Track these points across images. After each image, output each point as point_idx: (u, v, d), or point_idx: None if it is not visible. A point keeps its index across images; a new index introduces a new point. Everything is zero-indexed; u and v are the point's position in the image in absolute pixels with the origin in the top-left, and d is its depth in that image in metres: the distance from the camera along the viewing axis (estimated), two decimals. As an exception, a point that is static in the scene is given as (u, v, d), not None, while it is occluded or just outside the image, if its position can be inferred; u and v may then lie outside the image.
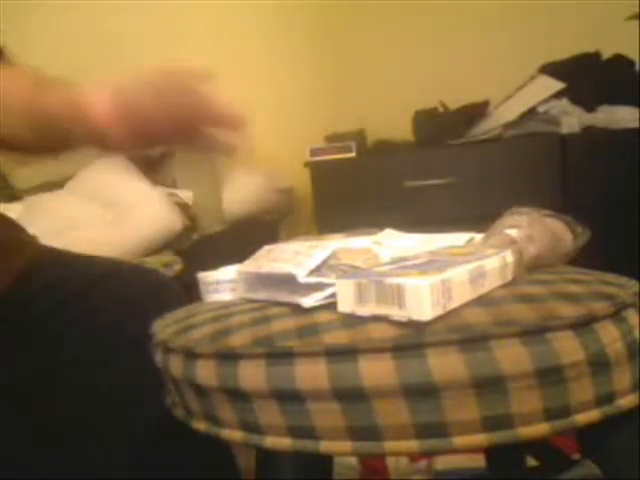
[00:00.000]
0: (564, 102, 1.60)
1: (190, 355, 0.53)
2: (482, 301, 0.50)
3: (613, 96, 1.61)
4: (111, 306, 0.76)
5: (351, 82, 2.06)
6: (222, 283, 0.66)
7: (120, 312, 0.76)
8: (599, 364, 0.46)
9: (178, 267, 1.36)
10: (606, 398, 0.47)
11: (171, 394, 0.59)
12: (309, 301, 0.53)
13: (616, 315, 0.49)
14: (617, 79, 1.63)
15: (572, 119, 1.59)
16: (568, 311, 0.47)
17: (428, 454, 1.14)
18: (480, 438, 0.45)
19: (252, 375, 0.48)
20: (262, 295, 0.59)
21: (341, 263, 0.56)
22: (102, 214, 1.52)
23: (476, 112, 1.68)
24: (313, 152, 1.73)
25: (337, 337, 0.47)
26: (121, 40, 2.02)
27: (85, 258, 0.83)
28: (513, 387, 0.44)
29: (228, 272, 0.66)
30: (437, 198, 1.61)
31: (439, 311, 0.46)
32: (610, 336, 0.47)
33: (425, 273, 0.47)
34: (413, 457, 1.21)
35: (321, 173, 1.71)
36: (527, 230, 0.60)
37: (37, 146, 0.64)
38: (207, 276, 0.67)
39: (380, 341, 0.45)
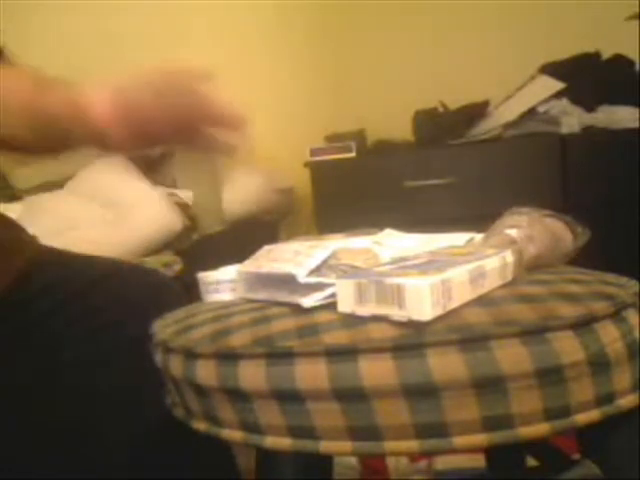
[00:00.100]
0: (564, 102, 1.60)
1: (190, 355, 0.53)
2: (482, 301, 0.50)
3: (613, 96, 1.61)
4: (111, 306, 0.76)
5: (351, 82, 2.06)
6: (222, 283, 0.66)
7: (120, 312, 0.76)
8: (599, 364, 0.46)
9: (178, 267, 1.36)
10: (606, 398, 0.47)
11: (171, 394, 0.59)
12: (309, 301, 0.53)
13: (616, 315, 0.49)
14: (617, 79, 1.63)
15: (572, 119, 1.58)
16: (568, 311, 0.47)
17: (428, 454, 1.14)
18: (480, 438, 0.45)
19: (252, 375, 0.48)
20: (262, 295, 0.59)
21: (341, 263, 0.56)
22: (102, 214, 1.52)
23: (476, 112, 1.68)
24: (313, 152, 1.72)
25: (337, 337, 0.47)
26: (121, 40, 2.02)
27: (85, 258, 0.83)
28: (513, 387, 0.44)
29: (228, 272, 0.66)
30: (437, 198, 1.61)
31: (439, 311, 0.46)
32: (610, 336, 0.47)
33: (425, 273, 0.47)
34: (413, 457, 1.21)
35: (321, 173, 1.71)
36: (527, 230, 0.60)
37: (37, 146, 0.64)
38: (207, 276, 0.67)
39: (380, 341, 0.45)
